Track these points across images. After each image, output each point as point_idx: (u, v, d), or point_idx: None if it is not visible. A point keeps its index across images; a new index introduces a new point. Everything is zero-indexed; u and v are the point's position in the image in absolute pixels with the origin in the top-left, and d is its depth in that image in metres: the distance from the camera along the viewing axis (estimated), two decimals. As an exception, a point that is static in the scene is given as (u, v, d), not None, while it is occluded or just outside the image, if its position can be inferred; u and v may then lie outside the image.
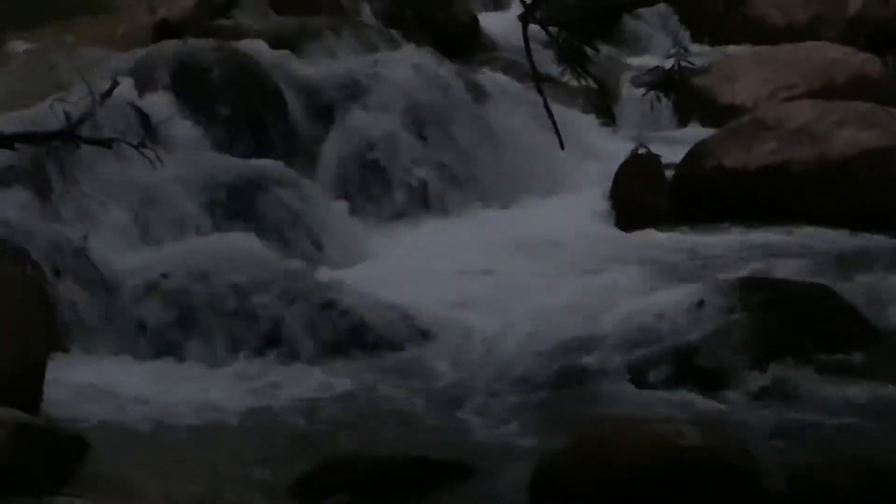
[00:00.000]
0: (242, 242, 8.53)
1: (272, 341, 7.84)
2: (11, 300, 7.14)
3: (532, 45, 12.20)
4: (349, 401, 7.34)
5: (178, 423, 7.07)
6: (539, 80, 5.14)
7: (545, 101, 5.37)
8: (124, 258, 8.31)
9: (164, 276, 8.09)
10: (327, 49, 10.95)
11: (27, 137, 8.46)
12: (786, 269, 8.67)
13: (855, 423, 6.93)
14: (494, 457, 6.61)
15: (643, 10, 13.37)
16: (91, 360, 7.64)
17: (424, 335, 7.97)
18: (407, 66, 10.43)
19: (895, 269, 8.76)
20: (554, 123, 5.72)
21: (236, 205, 8.97)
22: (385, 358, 7.78)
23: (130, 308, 7.99)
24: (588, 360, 7.56)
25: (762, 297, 8.01)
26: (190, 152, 9.22)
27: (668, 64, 6.28)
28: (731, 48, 12.37)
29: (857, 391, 7.27)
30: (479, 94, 10.62)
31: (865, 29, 12.67)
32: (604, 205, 9.92)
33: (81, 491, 6.38)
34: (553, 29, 5.59)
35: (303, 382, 7.52)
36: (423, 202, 9.79)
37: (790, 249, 9.18)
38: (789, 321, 7.80)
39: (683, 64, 5.69)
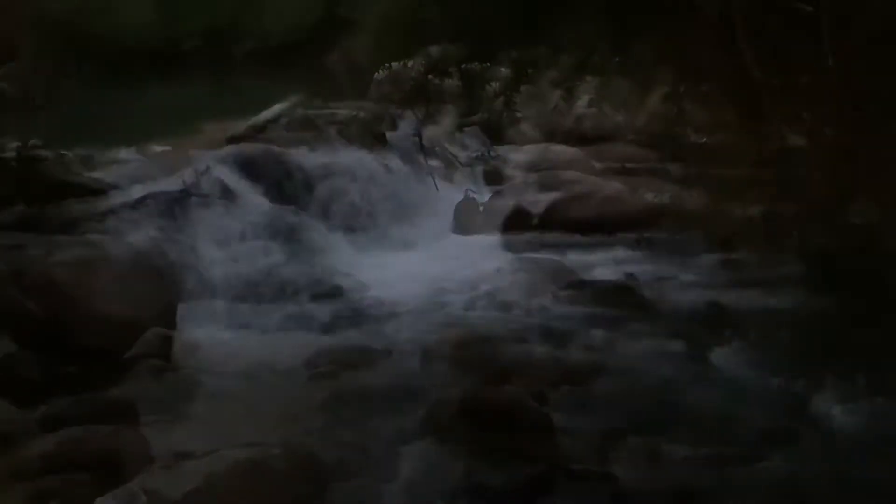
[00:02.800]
0: (274, 248, 8.38)
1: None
2: (157, 280, 7.04)
3: (410, 147, 12.09)
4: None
5: (244, 335, 6.95)
6: (426, 161, 5.17)
7: (430, 171, 5.43)
8: (214, 266, 8.03)
9: (235, 270, 7.83)
10: (314, 149, 10.83)
11: (163, 195, 8.35)
12: (540, 252, 8.59)
13: (572, 325, 6.79)
14: (405, 344, 6.53)
15: (466, 129, 13.31)
16: (199, 307, 7.39)
17: (365, 288, 7.81)
18: (352, 156, 10.35)
19: (592, 250, 8.66)
20: (434, 179, 5.81)
21: (274, 231, 8.75)
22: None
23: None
24: (448, 297, 7.48)
25: (528, 265, 8.01)
26: (247, 202, 9.08)
27: (481, 154, 6.28)
28: (508, 146, 12.15)
29: (575, 310, 7.17)
30: (389, 170, 10.51)
31: (575, 135, 12.61)
32: (451, 222, 9.73)
33: (194, 367, 6.28)
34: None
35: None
36: (360, 222, 9.44)
37: (542, 242, 8.99)
38: (543, 277, 7.73)
39: (491, 152, 5.75)
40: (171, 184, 8.53)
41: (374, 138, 12.64)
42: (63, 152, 9.04)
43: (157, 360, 6.26)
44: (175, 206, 8.40)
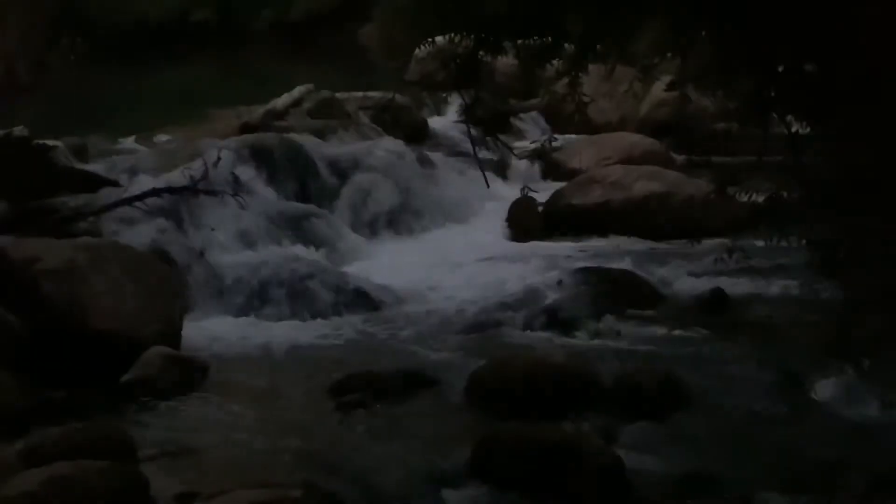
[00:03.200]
0: (295, 250, 8.54)
1: (313, 304, 7.76)
2: (160, 283, 7.11)
3: (458, 137, 12.20)
4: (360, 339, 7.32)
5: (258, 353, 7.05)
6: (476, 153, 5.16)
7: (479, 164, 5.43)
8: (226, 259, 8.22)
9: (248, 269, 8.08)
10: (341, 138, 10.91)
11: (168, 190, 8.43)
12: (609, 262, 8.64)
13: (653, 348, 6.97)
14: (446, 372, 6.59)
15: (522, 115, 13.37)
16: (206, 319, 7.57)
17: (400, 300, 7.92)
18: (386, 148, 10.43)
19: (672, 261, 8.77)
20: (483, 175, 5.79)
21: (291, 228, 8.90)
22: (378, 313, 7.70)
23: (231, 287, 7.91)
24: (498, 315, 7.55)
25: (596, 278, 8.03)
26: (262, 198, 9.16)
27: (541, 144, 6.31)
28: (573, 136, 12.34)
29: (651, 331, 7.31)
30: (428, 162, 10.63)
31: (651, 124, 12.70)
32: (502, 226, 9.86)
33: (204, 394, 6.37)
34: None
35: (331, 328, 7.48)
36: (397, 225, 9.74)
37: (611, 251, 9.12)
38: (612, 291, 7.80)
39: (553, 142, 5.73)
40: (176, 178, 8.61)
41: (413, 126, 12.75)
42: (53, 141, 9.15)
43: (158, 383, 6.30)
44: (181, 203, 8.45)
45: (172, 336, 6.83)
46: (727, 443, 5.67)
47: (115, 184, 8.68)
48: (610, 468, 5.18)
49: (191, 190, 8.49)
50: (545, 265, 8.65)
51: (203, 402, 6.25)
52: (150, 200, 8.27)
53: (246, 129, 10.84)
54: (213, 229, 8.41)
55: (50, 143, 9.10)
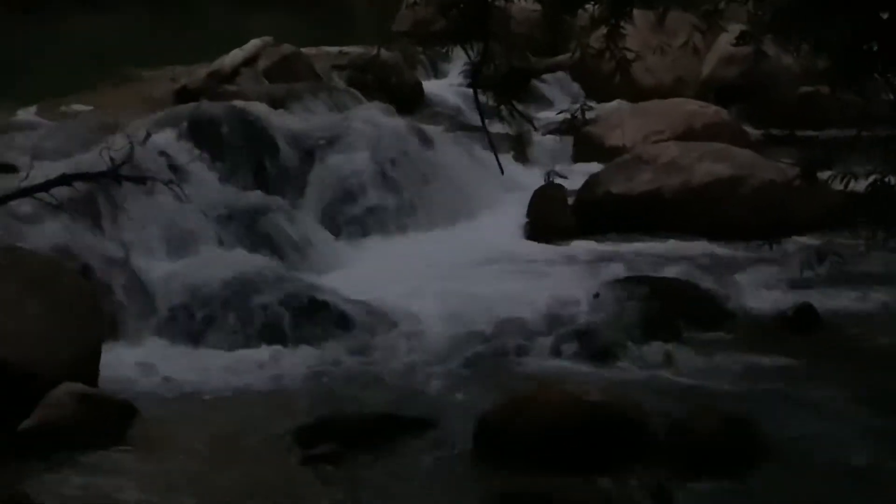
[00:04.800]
0: (248, 255, 8.55)
1: (271, 329, 7.80)
2: (71, 300, 7.12)
3: (463, 106, 12.26)
4: (333, 372, 7.35)
5: (201, 391, 7.07)
6: (486, 127, 5.16)
7: (491, 141, 5.43)
8: (157, 268, 8.25)
9: (187, 281, 8.12)
10: (308, 107, 10.94)
11: (82, 177, 8.42)
12: (660, 269, 8.69)
13: (716, 383, 6.97)
14: (447, 413, 6.62)
15: (546, 76, 13.41)
16: (133, 347, 7.58)
17: (387, 321, 7.93)
18: (368, 120, 10.45)
19: (741, 267, 8.82)
20: (496, 156, 5.80)
21: (242, 227, 8.92)
22: (357, 340, 7.74)
23: (162, 306, 7.95)
24: (513, 340, 7.58)
25: (643, 290, 8.07)
26: (206, 186, 9.17)
27: (571, 114, 6.31)
28: (613, 103, 12.38)
29: (716, 360, 7.33)
30: (425, 140, 10.64)
31: (715, 87, 12.76)
32: (521, 223, 9.91)
33: (131, 446, 6.37)
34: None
35: (296, 359, 7.51)
36: (384, 222, 9.78)
37: (663, 255, 9.17)
38: (664, 308, 7.84)
39: (585, 111, 5.72)
40: (92, 161, 8.61)
41: (403, 91, 12.73)
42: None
43: (69, 430, 6.30)
44: (98, 194, 8.47)
45: (88, 369, 6.84)
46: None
47: (10, 168, 8.68)
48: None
49: (111, 176, 8.48)
50: (577, 273, 8.67)
51: (127, 456, 6.24)
52: (58, 191, 8.25)
53: (184, 95, 10.87)
54: (127, 252, 8.38)
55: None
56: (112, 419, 6.47)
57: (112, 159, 8.50)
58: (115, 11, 19.56)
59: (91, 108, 10.65)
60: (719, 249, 9.28)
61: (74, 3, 19.51)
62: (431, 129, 11.05)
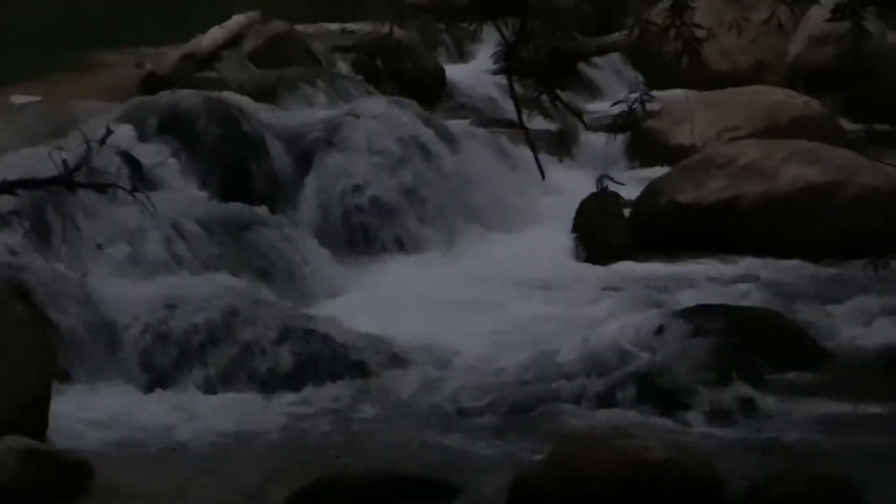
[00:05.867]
0: (230, 279, 8.57)
1: (260, 370, 7.84)
2: (14, 335, 7.14)
3: (495, 96, 12.31)
4: (334, 423, 7.37)
5: (177, 447, 7.08)
6: (524, 123, 5.20)
7: (530, 139, 5.47)
8: (119, 295, 8.27)
9: (158, 312, 8.16)
10: (304, 98, 10.97)
11: (27, 183, 8.49)
12: (738, 297, 8.71)
13: (807, 437, 6.97)
14: (472, 473, 6.61)
15: (597, 59, 13.44)
16: (92, 390, 7.62)
17: (400, 361, 7.96)
18: (377, 114, 10.48)
19: (839, 294, 8.81)
20: (536, 158, 5.84)
21: (222, 245, 8.96)
22: (364, 383, 7.78)
23: (128, 341, 7.96)
24: (558, 382, 7.59)
25: (717, 322, 8.06)
26: (179, 196, 9.21)
27: (628, 105, 6.33)
28: (679, 92, 12.40)
29: (807, 408, 7.33)
30: (447, 138, 10.66)
31: (805, 73, 12.78)
32: (567, 238, 9.93)
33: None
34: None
35: (290, 407, 7.56)
36: (397, 238, 9.81)
37: (741, 278, 9.20)
38: (743, 344, 7.84)
39: (646, 102, 5.75)
40: (40, 163, 8.65)
41: (420, 79, 12.72)
42: None
43: (11, 494, 6.29)
44: (48, 204, 8.49)
45: (34, 419, 6.86)
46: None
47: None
48: None
49: (63, 183, 8.54)
50: (635, 302, 8.67)
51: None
52: (0, 199, 8.32)
53: (152, 84, 10.91)
54: (99, 246, 8.44)
55: None
56: (63, 481, 6.48)
57: (65, 162, 8.58)
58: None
59: (39, 98, 10.68)
60: (811, 272, 9.32)
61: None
62: (456, 125, 11.08)
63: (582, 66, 13.03)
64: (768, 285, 8.98)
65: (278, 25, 12.18)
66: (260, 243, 9.05)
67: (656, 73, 12.38)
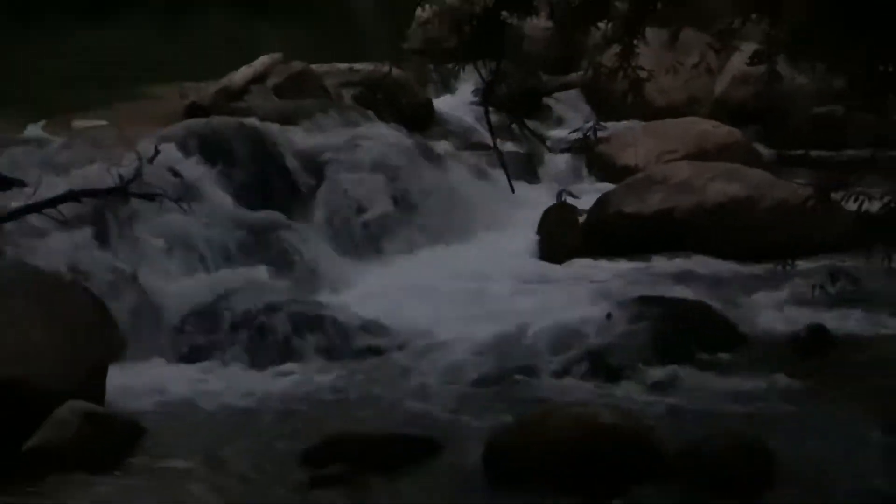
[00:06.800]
0: (257, 273, 8.55)
1: (279, 348, 7.83)
2: (78, 316, 7.13)
3: (474, 124, 12.27)
4: (342, 392, 7.34)
5: (209, 410, 7.08)
6: (497, 146, 5.17)
7: (502, 159, 5.44)
8: (165, 286, 8.27)
9: (196, 299, 8.14)
10: (318, 124, 10.94)
11: (89, 193, 8.45)
12: (672, 290, 8.68)
13: (729, 406, 6.94)
14: (456, 434, 6.59)
15: (558, 95, 13.40)
16: (141, 364, 7.59)
17: (396, 341, 7.95)
18: (378, 137, 10.47)
19: (755, 288, 8.80)
20: (507, 175, 5.81)
21: (251, 245, 8.93)
22: (367, 360, 7.75)
23: (171, 323, 7.98)
24: (523, 360, 7.56)
25: (656, 311, 8.03)
26: (214, 204, 9.19)
27: (584, 132, 6.31)
28: (625, 123, 12.37)
29: (728, 382, 7.30)
30: (433, 157, 10.66)
31: (728, 107, 12.75)
32: (531, 242, 9.88)
33: (136, 465, 6.36)
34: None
35: (304, 379, 7.52)
36: (394, 240, 9.78)
37: (676, 275, 9.16)
38: (677, 329, 7.82)
39: (598, 130, 5.72)
40: (100, 177, 8.63)
41: (414, 109, 12.72)
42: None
43: (74, 450, 6.29)
44: (106, 210, 8.48)
45: (94, 387, 6.82)
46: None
47: (19, 184, 8.69)
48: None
49: (119, 193, 8.51)
50: (588, 294, 8.65)
51: (134, 477, 6.23)
52: (66, 207, 8.27)
53: (193, 111, 10.86)
54: (135, 269, 8.39)
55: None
56: (118, 438, 6.47)
57: (121, 176, 8.55)
58: (123, 26, 19.60)
59: (100, 123, 10.65)
60: (732, 270, 9.25)
61: (80, 17, 19.55)
62: (442, 148, 11.06)
63: (546, 100, 12.97)
64: (698, 281, 8.94)
65: (297, 65, 12.14)
66: (280, 244, 9.03)
67: (607, 106, 12.32)
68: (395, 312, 8.28)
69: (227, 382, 7.42)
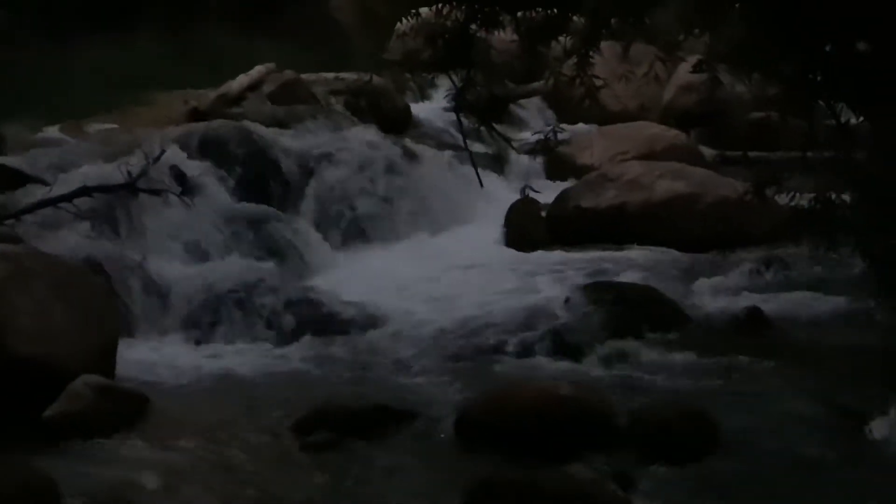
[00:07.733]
0: (252, 260, 8.54)
1: (272, 327, 7.82)
2: (91, 300, 7.11)
3: (447, 127, 12.24)
4: (328, 367, 7.34)
5: (208, 383, 7.09)
6: (468, 147, 5.18)
7: (472, 159, 5.44)
8: (170, 272, 8.25)
9: (197, 284, 8.13)
10: (307, 127, 10.92)
11: (101, 188, 8.43)
12: (625, 276, 8.69)
13: (675, 380, 6.96)
14: (430, 405, 6.61)
15: (523, 101, 13.39)
16: (148, 343, 7.61)
17: (377, 321, 7.93)
18: (361, 139, 10.46)
19: (698, 275, 8.82)
20: (477, 172, 5.82)
21: (247, 235, 8.92)
22: (351, 338, 7.74)
23: (175, 306, 7.96)
24: (492, 339, 7.58)
25: (610, 295, 8.04)
26: (213, 199, 9.17)
27: (545, 135, 6.30)
28: (582, 126, 12.36)
29: (675, 358, 7.31)
30: (410, 156, 10.64)
31: (675, 113, 12.75)
32: (499, 233, 9.88)
33: (143, 433, 6.36)
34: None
35: (295, 354, 7.53)
36: (376, 231, 9.77)
37: (628, 263, 9.14)
38: (629, 311, 7.82)
39: (558, 133, 5.71)
40: (110, 174, 8.60)
41: (393, 114, 12.73)
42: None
43: (88, 418, 6.28)
44: (116, 204, 8.44)
45: (105, 363, 6.81)
46: (765, 492, 5.67)
47: (39, 181, 8.66)
48: (626, 522, 5.17)
49: (128, 188, 8.49)
50: (549, 279, 8.66)
51: (141, 442, 6.23)
52: (80, 201, 8.25)
53: (195, 116, 10.82)
54: (143, 257, 8.36)
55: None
56: (126, 408, 6.47)
57: (129, 173, 8.53)
58: (131, 40, 19.51)
59: (110, 126, 10.61)
60: (678, 259, 9.26)
61: (93, 32, 19.46)
62: (418, 148, 11.03)
63: (512, 106, 12.96)
64: (648, 268, 8.94)
65: (289, 74, 12.09)
66: (273, 234, 9.00)
67: (566, 111, 12.34)
68: (377, 295, 8.27)
69: (225, 359, 7.41)
